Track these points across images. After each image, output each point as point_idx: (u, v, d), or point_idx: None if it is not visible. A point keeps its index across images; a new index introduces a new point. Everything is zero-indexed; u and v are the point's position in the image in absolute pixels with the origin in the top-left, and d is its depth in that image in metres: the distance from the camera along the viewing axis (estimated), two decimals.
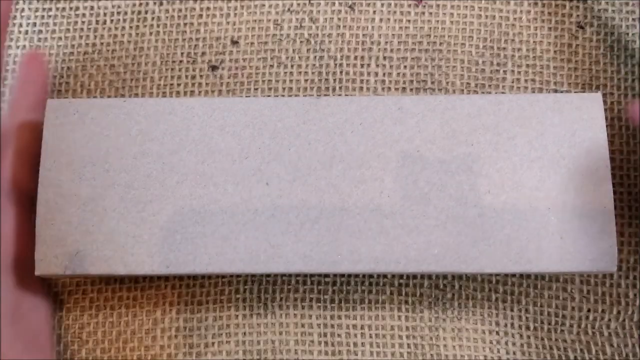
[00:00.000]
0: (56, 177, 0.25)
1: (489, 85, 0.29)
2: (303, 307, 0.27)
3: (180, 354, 0.27)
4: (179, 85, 0.29)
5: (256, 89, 0.29)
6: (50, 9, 0.31)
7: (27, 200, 0.25)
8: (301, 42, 0.30)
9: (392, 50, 0.30)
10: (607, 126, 0.26)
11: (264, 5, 0.30)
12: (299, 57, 0.30)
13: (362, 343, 0.27)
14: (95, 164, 0.25)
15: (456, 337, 0.27)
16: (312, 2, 0.30)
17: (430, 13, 0.30)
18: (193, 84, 0.30)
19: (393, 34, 0.30)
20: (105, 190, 0.25)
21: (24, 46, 0.30)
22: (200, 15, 0.30)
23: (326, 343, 0.27)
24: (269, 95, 0.29)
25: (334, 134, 0.25)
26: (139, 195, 0.25)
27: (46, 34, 0.30)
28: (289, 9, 0.30)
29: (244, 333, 0.27)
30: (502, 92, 0.29)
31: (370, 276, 0.27)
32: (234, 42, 0.30)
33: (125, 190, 0.25)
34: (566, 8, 0.30)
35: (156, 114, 0.26)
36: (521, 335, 0.27)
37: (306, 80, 0.29)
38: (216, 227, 0.25)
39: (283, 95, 0.29)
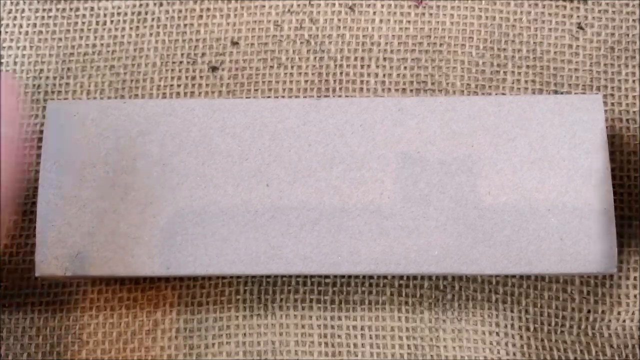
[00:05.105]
0: (56, 179, 0.25)
1: (489, 87, 0.29)
2: (303, 308, 0.27)
3: (181, 355, 0.27)
4: (179, 86, 0.30)
5: (256, 90, 0.29)
6: (50, 10, 0.31)
7: None
8: (301, 43, 0.30)
9: (392, 52, 0.29)
10: (607, 127, 0.26)
11: (264, 6, 0.30)
12: (299, 58, 0.30)
13: (362, 344, 0.27)
14: (95, 165, 0.25)
15: (456, 338, 0.27)
16: (312, 3, 0.30)
17: (431, 14, 0.30)
18: (193, 85, 0.30)
19: (393, 35, 0.30)
20: (105, 191, 0.25)
21: (24, 47, 0.30)
22: (201, 16, 0.30)
23: (326, 344, 0.27)
24: (269, 97, 0.29)
25: (334, 135, 0.25)
26: (139, 197, 0.25)
27: (46, 35, 0.30)
28: (289, 10, 0.30)
29: (244, 334, 0.27)
30: (503, 94, 0.29)
31: (371, 277, 0.27)
32: (234, 43, 0.30)
33: (126, 192, 0.25)
34: (566, 9, 0.30)
35: (156, 115, 0.26)
36: (521, 336, 0.27)
37: (306, 82, 0.29)
38: (216, 229, 0.25)
39: (283, 97, 0.29)
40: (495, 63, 0.29)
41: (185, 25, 0.30)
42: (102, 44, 0.30)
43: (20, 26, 0.30)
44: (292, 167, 0.25)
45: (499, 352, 0.27)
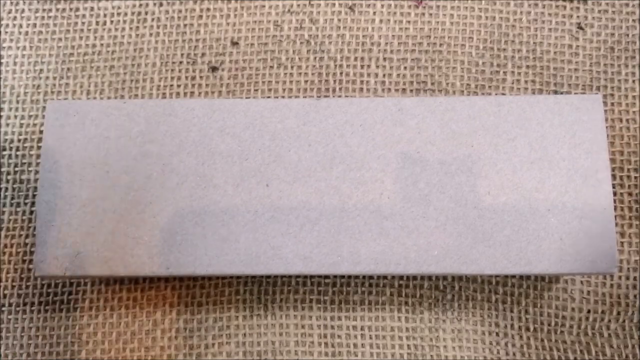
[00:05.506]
0: (56, 179, 0.25)
1: (489, 87, 0.29)
2: (303, 308, 0.27)
3: (181, 355, 0.27)
4: (178, 86, 0.30)
5: (256, 90, 0.29)
6: (50, 10, 0.31)
7: None
8: (301, 43, 0.30)
9: (392, 52, 0.30)
10: (607, 127, 0.26)
11: (264, 6, 0.30)
12: (299, 58, 0.30)
13: (362, 344, 0.27)
14: (95, 165, 0.25)
15: (456, 338, 0.27)
16: (312, 3, 0.30)
17: (431, 14, 0.30)
18: (193, 85, 0.30)
19: (393, 35, 0.30)
20: (105, 191, 0.25)
21: (24, 47, 0.30)
22: (200, 17, 0.30)
23: (326, 344, 0.27)
24: (269, 97, 0.29)
25: (334, 135, 0.25)
26: (139, 197, 0.25)
27: (46, 35, 0.30)
28: (289, 10, 0.30)
29: (244, 334, 0.27)
30: (502, 94, 0.29)
31: (370, 277, 0.27)
32: (234, 43, 0.30)
33: (125, 192, 0.25)
34: (566, 9, 0.30)
35: (156, 115, 0.26)
36: (521, 337, 0.27)
37: (306, 82, 0.29)
38: (216, 229, 0.25)
39: (283, 97, 0.29)
40: (495, 63, 0.29)
41: (185, 25, 0.30)
42: (102, 44, 0.30)
43: (20, 26, 0.30)
44: (292, 167, 0.25)
45: (498, 352, 0.27)
